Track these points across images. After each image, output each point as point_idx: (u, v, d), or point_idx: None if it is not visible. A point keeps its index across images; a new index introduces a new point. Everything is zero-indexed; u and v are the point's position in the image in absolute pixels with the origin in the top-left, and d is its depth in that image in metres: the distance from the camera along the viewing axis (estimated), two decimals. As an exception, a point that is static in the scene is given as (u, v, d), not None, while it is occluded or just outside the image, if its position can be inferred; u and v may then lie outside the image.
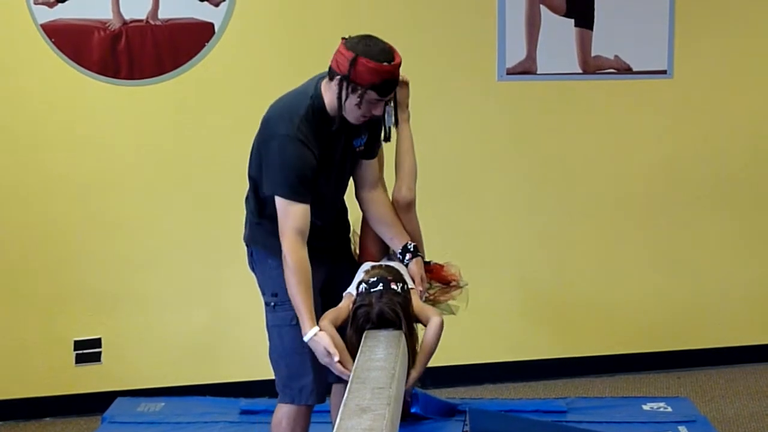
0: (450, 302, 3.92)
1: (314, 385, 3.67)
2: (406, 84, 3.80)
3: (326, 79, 3.53)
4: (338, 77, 3.43)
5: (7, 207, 5.18)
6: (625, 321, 5.85)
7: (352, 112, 3.48)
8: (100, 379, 5.33)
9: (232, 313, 5.39)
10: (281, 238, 3.48)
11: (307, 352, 3.57)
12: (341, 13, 5.31)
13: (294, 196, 3.46)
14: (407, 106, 3.87)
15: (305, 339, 3.45)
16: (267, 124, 3.56)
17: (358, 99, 3.43)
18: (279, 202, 3.49)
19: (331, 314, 3.52)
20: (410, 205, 3.84)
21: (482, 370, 5.72)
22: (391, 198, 3.85)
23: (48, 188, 5.20)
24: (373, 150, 3.77)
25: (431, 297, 3.87)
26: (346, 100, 3.44)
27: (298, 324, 3.54)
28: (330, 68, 3.48)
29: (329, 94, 3.51)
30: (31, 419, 5.29)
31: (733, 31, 5.77)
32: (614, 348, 5.86)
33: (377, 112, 3.51)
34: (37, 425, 5.25)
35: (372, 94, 3.43)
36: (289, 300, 3.53)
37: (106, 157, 5.24)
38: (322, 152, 3.51)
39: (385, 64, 3.39)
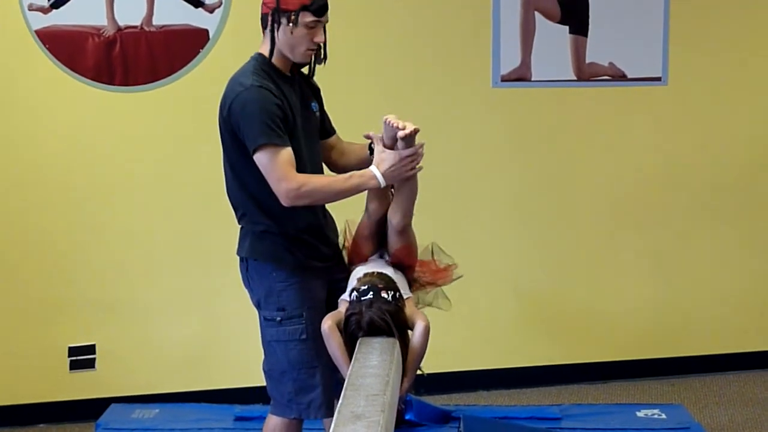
0: (441, 293, 3.88)
1: (323, 398, 3.63)
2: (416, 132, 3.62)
3: (262, 37, 3.55)
4: (269, 15, 3.47)
5: (0, 213, 5.18)
6: (619, 328, 5.85)
7: (296, 46, 3.50)
8: (95, 386, 5.32)
9: (227, 319, 5.39)
10: (282, 185, 3.41)
11: (317, 365, 3.58)
12: (336, 21, 5.27)
13: (274, 138, 3.40)
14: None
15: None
16: (224, 100, 3.52)
17: (294, 25, 3.44)
18: (263, 156, 3.41)
19: (332, 318, 3.49)
20: (405, 228, 3.74)
21: (476, 377, 5.72)
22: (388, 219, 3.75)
23: (42, 194, 5.20)
24: (329, 125, 3.81)
25: (422, 284, 3.83)
26: (278, 31, 3.46)
27: (308, 338, 3.56)
28: (261, 18, 3.53)
29: (270, 42, 3.52)
30: (25, 425, 5.28)
31: (727, 38, 5.78)
32: (608, 355, 5.86)
33: (319, 39, 3.52)
34: (31, 431, 5.26)
35: (306, 15, 3.45)
36: (299, 315, 3.56)
37: (100, 164, 5.24)
38: (283, 104, 3.48)
39: None
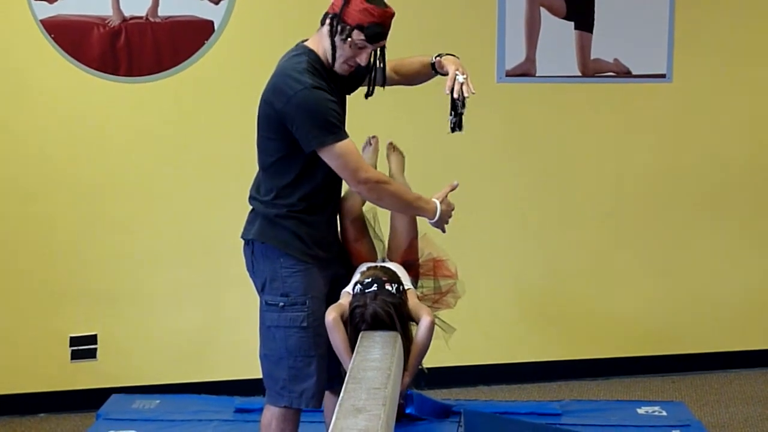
0: (441, 315, 3.89)
1: (316, 388, 3.63)
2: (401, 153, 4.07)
3: (318, 30, 3.54)
4: (330, 16, 3.47)
5: (3, 202, 5.18)
6: (620, 324, 5.85)
7: (339, 58, 3.50)
8: (96, 376, 5.33)
9: (228, 311, 5.39)
10: (360, 174, 3.46)
11: (314, 354, 3.59)
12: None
13: (340, 134, 3.44)
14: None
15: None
16: (279, 94, 3.46)
17: (344, 39, 3.44)
18: (333, 152, 3.43)
19: (336, 310, 3.50)
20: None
21: (477, 372, 5.72)
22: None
23: (45, 184, 5.20)
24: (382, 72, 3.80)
25: (422, 297, 3.85)
26: (334, 37, 3.46)
27: (308, 326, 3.57)
28: (325, 13, 3.52)
29: (323, 42, 3.52)
30: (25, 415, 5.29)
31: (733, 36, 5.77)
32: (609, 351, 5.86)
33: (361, 60, 3.51)
34: (32, 421, 5.25)
35: (358, 35, 3.44)
36: (302, 302, 3.56)
37: (103, 154, 5.24)
38: (336, 101, 3.50)
39: (376, 7, 3.43)
